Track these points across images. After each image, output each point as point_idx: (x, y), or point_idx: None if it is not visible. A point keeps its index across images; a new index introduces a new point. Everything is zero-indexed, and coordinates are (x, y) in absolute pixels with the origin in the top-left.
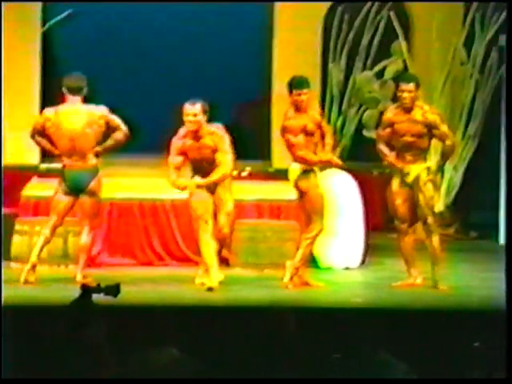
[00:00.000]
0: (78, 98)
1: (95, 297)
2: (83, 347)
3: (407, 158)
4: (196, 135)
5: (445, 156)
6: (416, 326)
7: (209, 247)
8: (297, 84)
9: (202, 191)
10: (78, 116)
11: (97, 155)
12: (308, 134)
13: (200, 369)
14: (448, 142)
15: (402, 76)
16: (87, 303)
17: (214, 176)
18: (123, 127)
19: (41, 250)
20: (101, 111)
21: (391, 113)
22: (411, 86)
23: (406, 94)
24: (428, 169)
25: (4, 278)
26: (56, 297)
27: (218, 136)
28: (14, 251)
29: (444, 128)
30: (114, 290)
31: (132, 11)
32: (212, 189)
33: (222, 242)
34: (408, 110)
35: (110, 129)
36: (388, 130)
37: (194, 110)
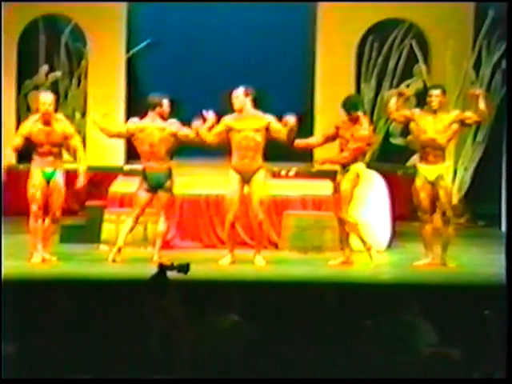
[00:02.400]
0: (156, 114)
1: (170, 274)
2: (161, 314)
3: (430, 160)
4: None
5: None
6: (433, 298)
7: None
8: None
9: (234, 182)
10: (156, 129)
11: (171, 157)
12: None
13: (255, 331)
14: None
15: (432, 86)
16: (163, 279)
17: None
18: (190, 133)
19: (126, 235)
20: (174, 126)
21: (416, 111)
22: (438, 91)
23: (434, 98)
24: (447, 168)
25: (94, 258)
26: (137, 273)
27: None
28: (103, 236)
29: (468, 113)
30: (185, 268)
31: (197, 39)
32: (247, 180)
33: (260, 227)
34: (434, 113)
35: (180, 138)
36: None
37: None
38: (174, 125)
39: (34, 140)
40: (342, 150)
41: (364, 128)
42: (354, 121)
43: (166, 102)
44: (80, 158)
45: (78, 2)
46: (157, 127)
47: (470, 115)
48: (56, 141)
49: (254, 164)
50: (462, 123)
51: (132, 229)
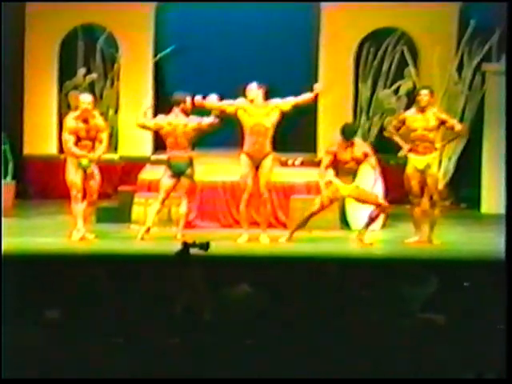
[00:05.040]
0: (180, 110)
1: (192, 250)
2: (184, 285)
3: (420, 150)
4: None
5: (459, 136)
6: (421, 270)
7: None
8: (344, 133)
9: (246, 166)
10: (180, 124)
11: (193, 147)
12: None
13: (265, 297)
14: (458, 127)
15: (421, 87)
16: (186, 255)
17: None
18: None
19: (153, 216)
20: (195, 121)
21: (407, 113)
22: (426, 91)
23: (422, 97)
24: (435, 158)
25: (126, 236)
26: (163, 250)
27: None
28: (133, 217)
29: (452, 120)
30: (204, 245)
31: (214, 45)
32: (257, 164)
33: (264, 205)
34: (422, 110)
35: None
36: (398, 124)
37: None
38: (194, 120)
39: (77, 136)
40: (339, 169)
41: (364, 145)
42: (350, 144)
43: (188, 100)
44: (101, 148)
45: (112, 10)
46: (180, 122)
47: (451, 124)
48: (93, 136)
49: (264, 150)
50: (443, 124)
51: (158, 211)
